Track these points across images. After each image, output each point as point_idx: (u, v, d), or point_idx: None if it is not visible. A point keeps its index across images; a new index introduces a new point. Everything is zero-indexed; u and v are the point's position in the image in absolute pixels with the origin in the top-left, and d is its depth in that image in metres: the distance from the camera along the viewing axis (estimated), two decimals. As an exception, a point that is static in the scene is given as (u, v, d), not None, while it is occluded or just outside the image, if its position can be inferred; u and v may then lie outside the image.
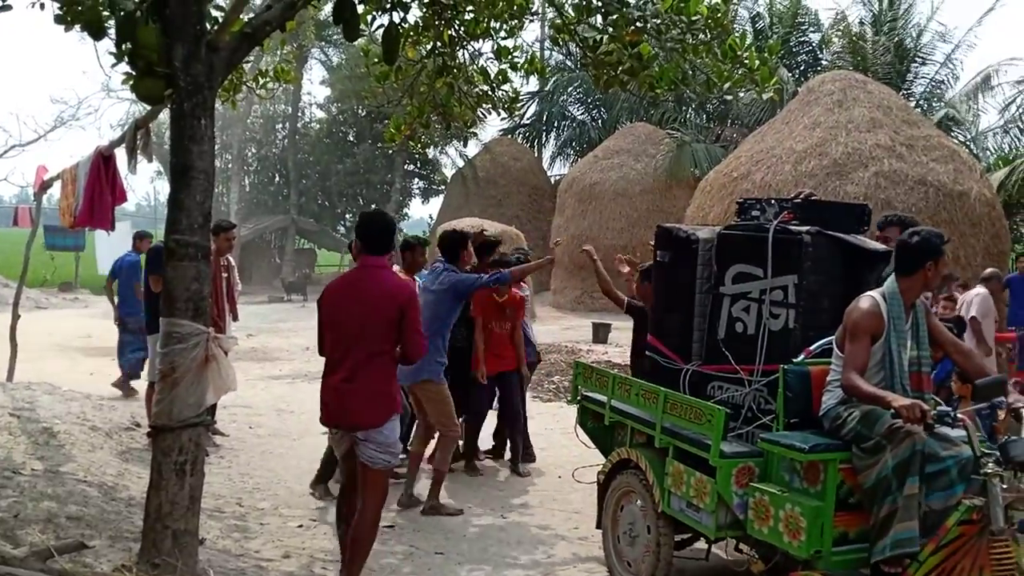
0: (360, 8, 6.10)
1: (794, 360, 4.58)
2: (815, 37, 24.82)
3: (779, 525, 4.12)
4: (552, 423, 9.82)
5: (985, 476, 3.66)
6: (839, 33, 23.77)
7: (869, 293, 4.37)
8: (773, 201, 5.21)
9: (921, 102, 22.30)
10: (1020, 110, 21.42)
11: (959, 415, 3.82)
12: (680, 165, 21.86)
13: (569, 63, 30.11)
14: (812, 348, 4.59)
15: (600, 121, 31.14)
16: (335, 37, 31.88)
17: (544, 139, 33.41)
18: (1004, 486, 3.64)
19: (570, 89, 30.63)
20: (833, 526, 4.02)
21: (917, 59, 23.46)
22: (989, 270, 10.67)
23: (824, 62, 23.80)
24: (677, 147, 22.26)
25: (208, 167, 4.83)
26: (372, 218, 5.05)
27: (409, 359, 4.84)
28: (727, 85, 6.51)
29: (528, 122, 32.11)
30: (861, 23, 24.38)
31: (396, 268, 7.47)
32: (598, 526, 5.60)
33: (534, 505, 7.10)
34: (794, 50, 24.50)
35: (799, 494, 4.15)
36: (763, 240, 4.87)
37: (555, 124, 32.44)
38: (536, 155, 32.62)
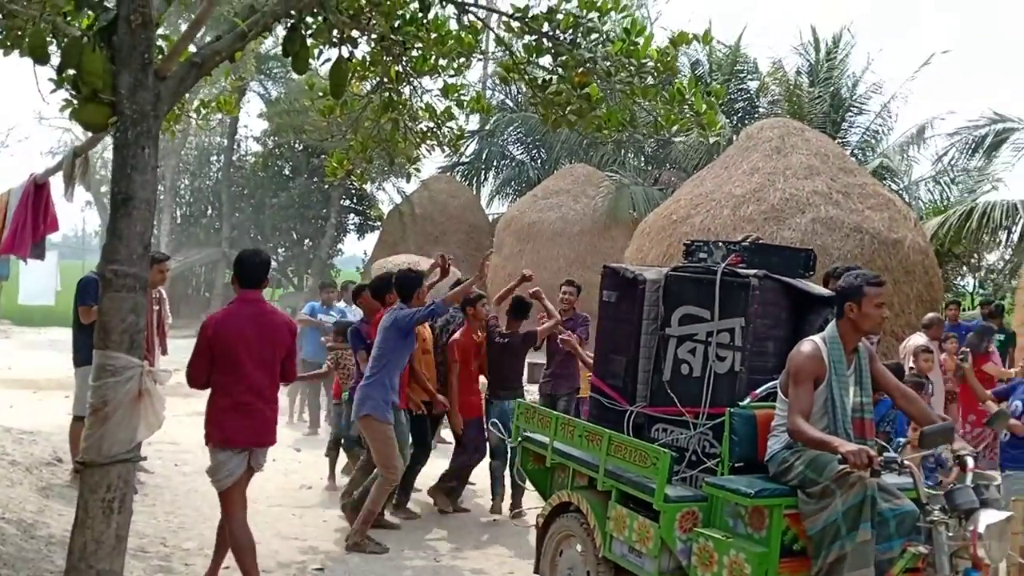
0: (308, 41, 6.05)
1: (740, 403, 4.61)
2: (753, 84, 25.35)
3: (723, 571, 4.11)
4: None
5: (931, 524, 3.69)
6: (776, 81, 24.33)
7: (811, 337, 4.42)
8: (720, 244, 5.28)
9: (856, 151, 22.88)
10: (952, 161, 22.09)
11: (905, 462, 3.85)
12: (619, 207, 22.07)
13: (509, 103, 30.33)
14: (758, 392, 4.62)
15: (539, 161, 31.31)
16: (274, 70, 31.73)
17: (483, 177, 33.50)
18: (950, 534, 3.67)
19: (510, 129, 30.78)
20: (777, 573, 4.01)
21: (852, 109, 24.09)
22: (929, 315, 10.83)
23: (761, 109, 24.31)
24: (616, 189, 22.50)
25: (150, 197, 4.73)
26: (250, 256, 5.52)
27: (286, 380, 5.56)
28: (675, 128, 6.58)
29: (467, 160, 32.18)
30: (798, 72, 25.03)
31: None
32: (536, 571, 5.54)
33: (468, 548, 7.01)
34: (732, 97, 25.02)
35: (744, 540, 4.14)
36: (711, 282, 4.92)
37: (494, 163, 32.54)
38: (475, 193, 32.66)
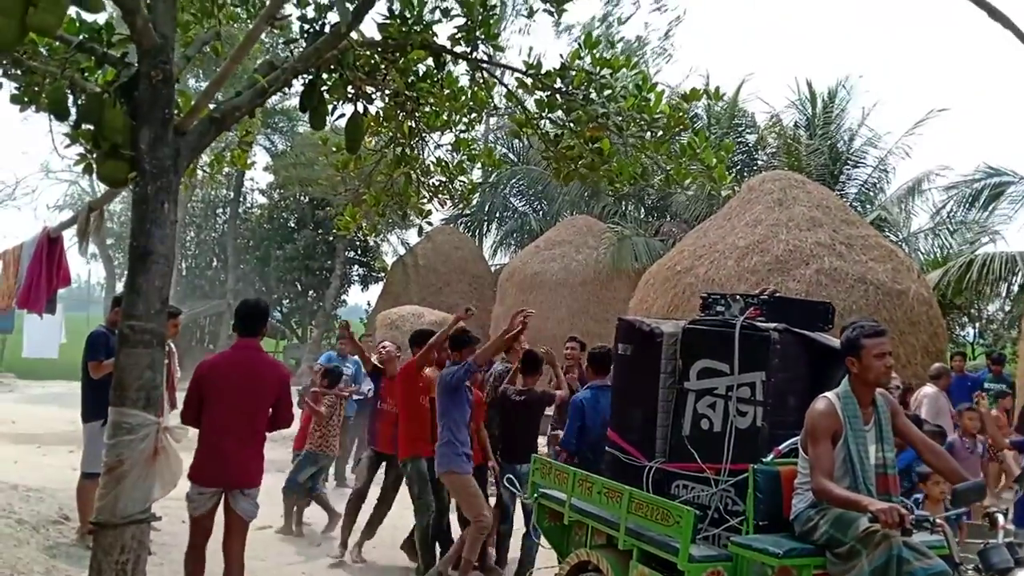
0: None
1: (763, 460, 4.55)
2: (751, 138, 25.55)
3: (750, 631, 4.03)
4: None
5: (965, 584, 3.63)
6: (775, 134, 24.53)
7: (825, 394, 4.38)
8: (738, 297, 5.26)
9: (854, 203, 23.00)
10: (950, 214, 22.24)
11: (937, 520, 3.79)
12: (621, 257, 22.11)
13: (512, 156, 30.58)
14: (781, 448, 4.56)
15: (541, 212, 31.50)
16: (280, 124, 32.05)
17: (486, 229, 33.65)
18: (984, 594, 3.60)
19: (512, 181, 31.00)
20: (808, 633, 3.94)
21: (849, 162, 24.29)
22: (936, 366, 10.78)
23: (760, 162, 24.50)
24: (618, 240, 22.55)
25: (169, 252, 4.74)
26: (248, 305, 5.88)
27: (279, 427, 5.75)
28: (687, 181, 6.62)
29: (470, 212, 32.35)
30: (796, 126, 25.24)
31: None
32: (554, 635, 5.43)
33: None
34: (719, 150, 25.13)
35: (772, 600, 4.07)
36: (730, 336, 4.87)
37: (497, 214, 32.74)
38: (477, 244, 32.78)
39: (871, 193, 24.32)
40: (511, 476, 7.03)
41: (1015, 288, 19.74)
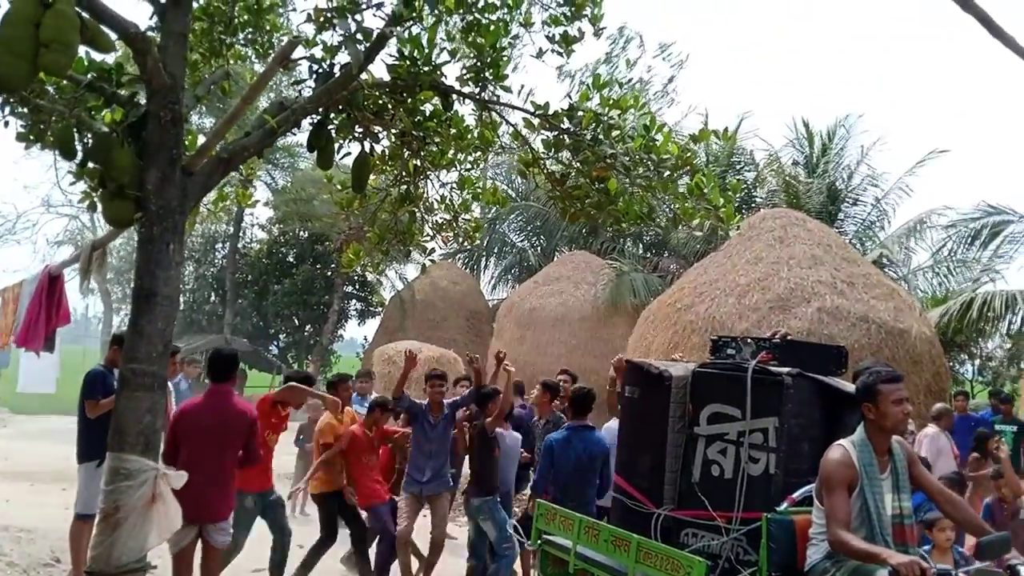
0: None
1: (776, 508, 4.47)
2: (749, 176, 25.64)
3: None
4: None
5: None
6: (773, 173, 24.63)
7: (840, 442, 4.29)
8: (749, 340, 5.20)
9: (854, 241, 23.07)
10: (950, 252, 22.31)
11: (960, 574, 3.71)
12: (620, 294, 22.10)
13: (512, 192, 30.66)
14: (795, 496, 4.48)
15: (540, 248, 31.54)
16: (280, 159, 32.15)
17: (484, 264, 33.68)
18: (1010, 649, 3.52)
19: (512, 217, 31.06)
20: None
21: (848, 200, 24.38)
22: (938, 406, 10.69)
23: (758, 199, 24.56)
24: (617, 276, 22.54)
25: (173, 293, 4.70)
26: (219, 354, 6.44)
27: (248, 465, 6.26)
28: (695, 221, 6.60)
29: (469, 247, 32.38)
30: (794, 163, 25.36)
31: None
32: None
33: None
34: (727, 190, 25.24)
35: (789, 653, 3.97)
36: (741, 380, 4.80)
37: (495, 250, 32.79)
38: (475, 280, 32.78)
39: (871, 231, 24.40)
40: (515, 523, 7.07)
41: (1015, 326, 19.79)
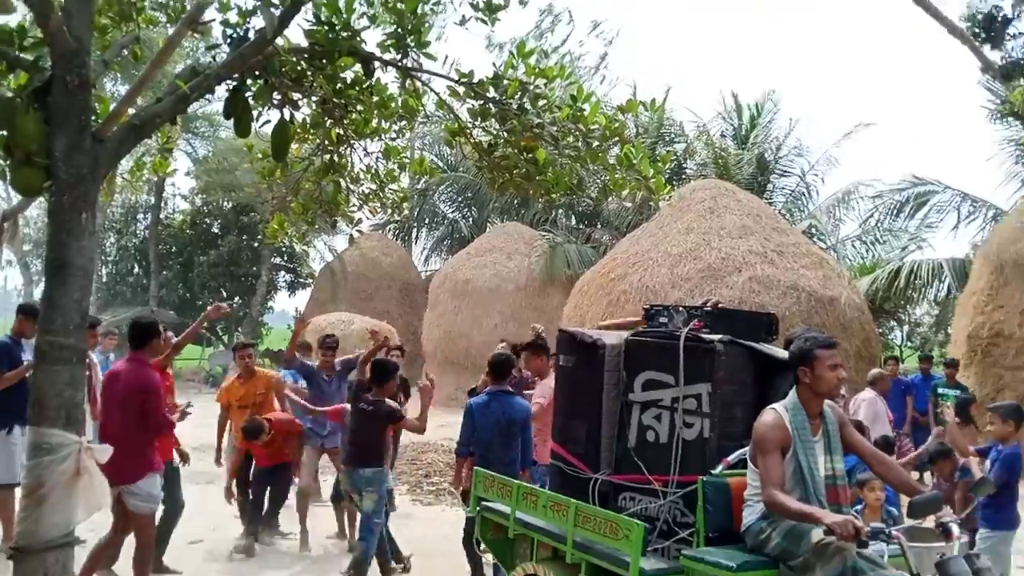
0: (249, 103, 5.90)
1: (712, 471, 4.48)
2: (679, 147, 25.82)
3: (707, 647, 3.95)
4: (432, 529, 9.39)
5: (924, 596, 3.58)
6: (703, 144, 24.85)
7: (772, 406, 4.32)
8: (681, 308, 5.18)
9: (783, 212, 23.44)
10: (877, 222, 22.82)
11: (893, 532, 3.75)
12: (554, 265, 22.18)
13: (440, 163, 30.45)
14: (730, 459, 4.50)
15: (471, 219, 31.47)
16: (200, 129, 31.42)
17: (415, 235, 33.49)
18: (944, 606, 3.56)
19: (442, 188, 30.89)
20: (764, 648, 3.86)
21: (776, 171, 24.74)
22: (874, 371, 10.87)
23: (689, 171, 24.78)
24: (550, 247, 22.59)
25: (87, 264, 4.51)
26: (136, 322, 6.59)
27: (150, 432, 6.30)
28: (625, 192, 6.55)
29: (399, 218, 32.12)
30: (723, 135, 25.61)
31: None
32: (505, 648, 5.30)
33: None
34: (657, 161, 25.37)
35: (726, 614, 3.98)
36: (674, 347, 4.79)
37: (426, 221, 32.61)
38: (407, 251, 32.59)
39: (799, 202, 24.84)
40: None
41: (942, 293, 20.36)
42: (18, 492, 5.21)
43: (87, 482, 4.36)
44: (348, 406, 7.95)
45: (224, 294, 32.45)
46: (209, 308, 7.79)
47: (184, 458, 7.77)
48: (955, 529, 3.82)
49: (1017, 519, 6.75)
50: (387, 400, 7.43)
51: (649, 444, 4.88)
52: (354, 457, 7.35)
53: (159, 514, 6.88)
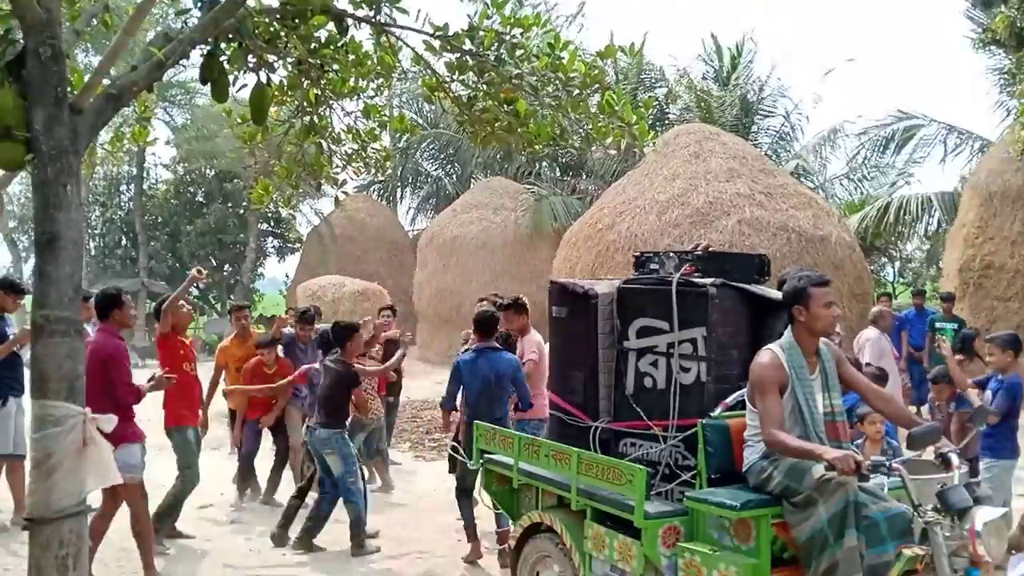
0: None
1: (711, 414, 4.51)
2: (660, 92, 25.63)
3: (713, 585, 4.00)
4: (436, 483, 9.45)
5: (926, 525, 3.62)
6: (685, 88, 24.66)
7: (768, 346, 4.35)
8: (672, 254, 5.18)
9: (769, 153, 23.36)
10: (864, 159, 22.76)
11: (894, 464, 3.78)
12: (540, 218, 22.12)
13: (420, 120, 30.21)
14: (728, 401, 4.53)
15: (455, 176, 31.30)
16: (177, 97, 31.07)
17: (400, 195, 33.34)
18: (947, 534, 3.60)
19: (423, 146, 30.68)
20: (770, 583, 3.91)
21: (760, 112, 24.59)
22: (876, 308, 10.80)
23: (671, 116, 24.61)
24: (536, 201, 22.50)
25: (77, 236, 4.47)
26: (98, 293, 6.79)
27: (119, 402, 6.17)
28: (608, 140, 6.50)
29: (383, 179, 31.95)
30: (704, 78, 25.42)
31: None
32: (512, 595, 5.37)
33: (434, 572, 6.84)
34: (640, 105, 25.22)
35: (732, 552, 4.04)
36: (667, 293, 4.80)
37: (410, 180, 32.43)
38: (392, 211, 32.46)
39: (785, 142, 24.73)
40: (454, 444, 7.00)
41: (932, 227, 20.34)
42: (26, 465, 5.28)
43: (95, 452, 4.42)
44: (315, 366, 8.07)
45: (214, 263, 32.41)
46: (189, 275, 7.96)
47: (203, 427, 7.90)
48: (954, 459, 3.87)
49: (1019, 448, 6.82)
50: (352, 363, 7.54)
51: (647, 390, 4.92)
52: (317, 417, 7.47)
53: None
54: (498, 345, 7.13)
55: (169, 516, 7.46)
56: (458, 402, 7.23)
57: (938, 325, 12.13)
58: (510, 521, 6.64)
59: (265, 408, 8.81)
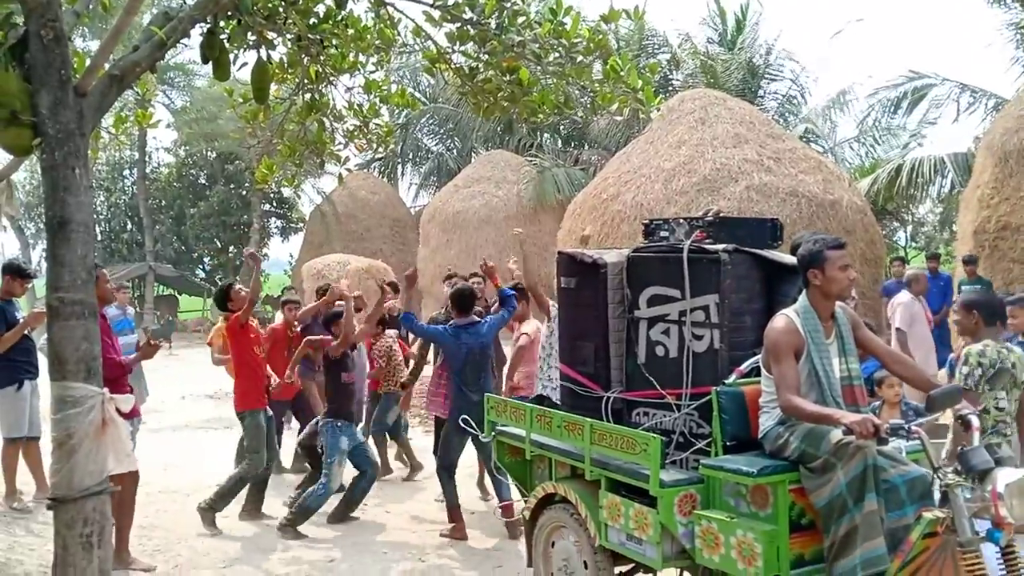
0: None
1: (725, 381, 4.50)
2: (664, 58, 25.43)
3: (731, 552, 4.00)
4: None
5: (946, 487, 3.61)
6: (689, 53, 24.44)
7: (782, 312, 4.30)
8: (682, 220, 5.15)
9: (776, 117, 23.16)
10: (875, 122, 22.46)
11: (913, 427, 3.76)
12: (544, 190, 22.03)
13: (420, 95, 30.07)
14: (742, 368, 4.51)
15: (456, 151, 31.20)
16: (176, 80, 30.99)
17: (401, 171, 33.26)
18: (968, 496, 3.57)
19: (423, 121, 30.55)
20: (789, 548, 3.92)
21: (767, 76, 24.35)
22: (911, 272, 10.64)
23: (675, 82, 24.43)
24: (538, 173, 22.40)
25: (87, 218, 4.51)
26: None
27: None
28: (614, 106, 6.45)
29: (383, 156, 31.85)
30: (709, 41, 25.22)
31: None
32: (529, 564, 5.38)
33: (455, 544, 6.88)
34: (644, 72, 25.03)
35: (749, 519, 4.04)
36: (677, 261, 4.77)
37: (410, 156, 32.33)
38: (394, 188, 32.39)
39: (792, 105, 24.48)
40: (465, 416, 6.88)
41: (945, 190, 20.03)
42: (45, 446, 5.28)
43: (114, 432, 4.48)
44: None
45: (219, 244, 32.49)
46: (246, 255, 8.05)
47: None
48: (975, 421, 3.84)
49: None
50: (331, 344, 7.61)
51: (659, 359, 4.89)
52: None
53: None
54: (477, 319, 7.16)
55: (230, 495, 7.48)
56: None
57: (964, 288, 11.77)
58: (512, 492, 6.74)
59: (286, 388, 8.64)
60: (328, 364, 7.56)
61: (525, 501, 5.46)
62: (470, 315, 7.12)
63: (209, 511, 7.35)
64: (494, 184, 23.77)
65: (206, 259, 34.48)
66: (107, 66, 4.95)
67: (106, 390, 4.38)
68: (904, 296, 9.78)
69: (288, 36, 6.30)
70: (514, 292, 7.45)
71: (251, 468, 7.48)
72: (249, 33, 5.90)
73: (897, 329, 8.21)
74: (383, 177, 32.53)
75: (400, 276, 8.11)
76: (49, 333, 4.27)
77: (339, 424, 7.38)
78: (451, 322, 7.19)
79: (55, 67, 4.43)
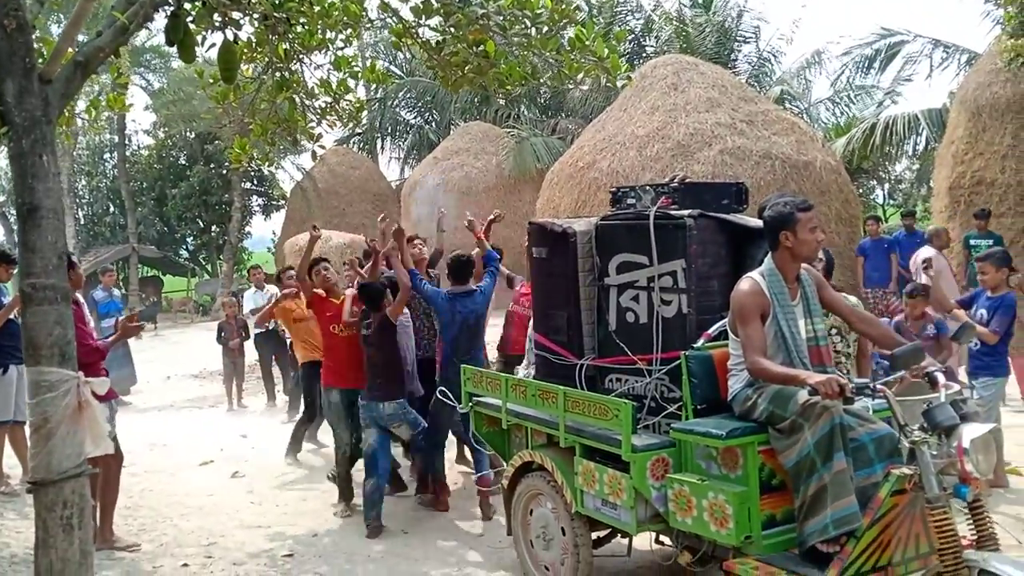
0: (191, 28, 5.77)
1: (694, 345, 4.57)
2: (636, 24, 25.37)
3: (703, 515, 4.09)
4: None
5: (913, 444, 3.66)
6: (663, 19, 24.39)
7: (748, 275, 4.32)
8: (648, 187, 5.20)
9: (750, 80, 23.13)
10: (849, 80, 22.44)
11: (878, 386, 3.81)
12: (523, 160, 21.98)
13: (395, 69, 29.92)
14: (710, 331, 4.58)
15: (434, 123, 31.09)
16: (152, 62, 30.77)
17: (380, 145, 33.15)
18: (934, 452, 3.60)
19: (400, 95, 30.42)
20: (760, 509, 3.99)
21: (739, 39, 24.32)
22: (932, 227, 10.68)
23: (649, 48, 24.39)
24: (516, 143, 22.36)
25: (56, 205, 4.53)
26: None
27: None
28: (580, 76, 6.48)
29: (361, 130, 31.73)
30: (683, 5, 25.17)
31: None
32: (509, 532, 5.48)
33: (436, 516, 6.95)
34: (611, 40, 25.00)
35: (720, 481, 4.11)
36: (644, 227, 4.84)
37: (389, 130, 32.21)
38: (373, 162, 32.29)
39: (766, 68, 24.47)
40: (443, 389, 6.76)
41: (920, 146, 20.05)
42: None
43: (91, 414, 4.48)
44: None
45: (201, 224, 32.42)
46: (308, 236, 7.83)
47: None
48: (940, 378, 3.88)
49: (1008, 366, 6.91)
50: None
51: (629, 325, 4.97)
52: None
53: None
54: (472, 287, 7.10)
55: (345, 476, 7.33)
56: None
57: (973, 242, 11.83)
58: (488, 466, 6.80)
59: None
60: (388, 338, 7.01)
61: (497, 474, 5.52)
62: (467, 284, 7.07)
63: (340, 502, 7.30)
64: (473, 156, 23.71)
65: (189, 239, 34.48)
66: (74, 51, 4.95)
67: (81, 374, 4.40)
68: (928, 251, 9.80)
69: (254, 16, 6.27)
70: (498, 255, 7.46)
71: (337, 448, 7.34)
72: (214, 14, 5.89)
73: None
74: (362, 152, 32.41)
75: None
76: (23, 319, 4.31)
77: (406, 400, 7.01)
78: (447, 289, 7.17)
79: (19, 55, 4.42)
